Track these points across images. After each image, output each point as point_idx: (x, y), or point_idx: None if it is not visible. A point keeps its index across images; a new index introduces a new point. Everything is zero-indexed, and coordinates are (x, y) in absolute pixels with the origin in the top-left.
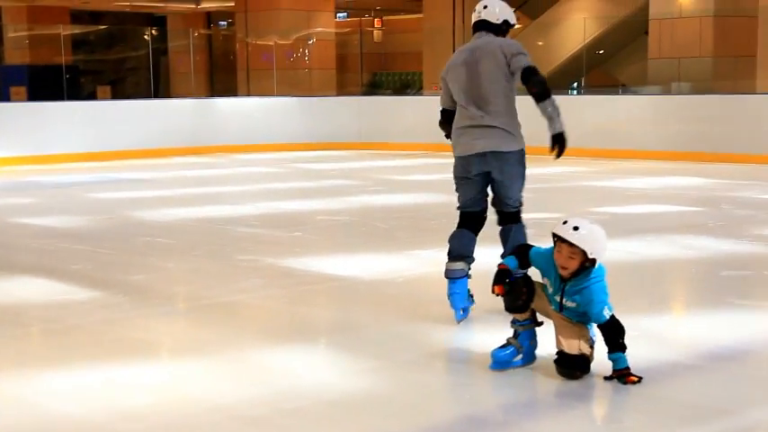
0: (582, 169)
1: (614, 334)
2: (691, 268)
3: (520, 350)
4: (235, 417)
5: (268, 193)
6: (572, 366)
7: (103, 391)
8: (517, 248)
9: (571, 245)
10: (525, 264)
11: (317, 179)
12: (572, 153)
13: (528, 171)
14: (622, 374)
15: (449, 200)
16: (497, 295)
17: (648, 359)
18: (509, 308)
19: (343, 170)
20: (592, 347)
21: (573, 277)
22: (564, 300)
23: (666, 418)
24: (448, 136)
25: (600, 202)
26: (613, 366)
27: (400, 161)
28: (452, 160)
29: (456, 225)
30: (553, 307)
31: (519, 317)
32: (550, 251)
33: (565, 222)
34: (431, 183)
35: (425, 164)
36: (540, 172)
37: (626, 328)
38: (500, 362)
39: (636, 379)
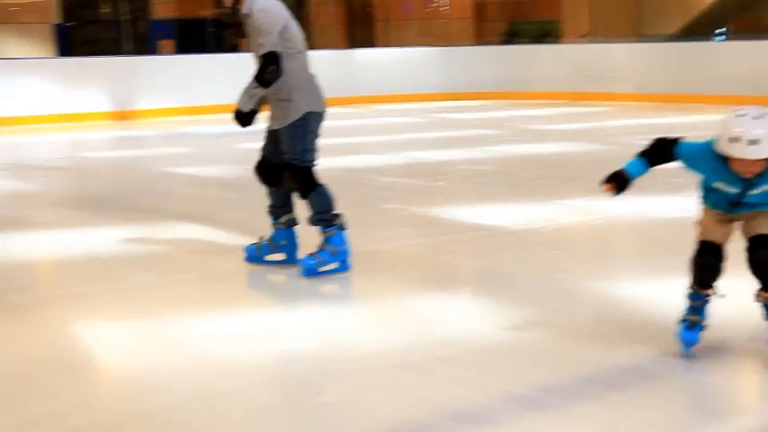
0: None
1: None
2: None
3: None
4: (393, 364)
5: (409, 143)
6: None
7: (263, 335)
8: (653, 144)
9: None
10: (657, 161)
11: (458, 129)
12: (717, 101)
13: (672, 120)
14: None
15: (592, 149)
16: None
17: None
18: None
19: (483, 120)
20: None
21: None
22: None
23: None
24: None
25: None
26: None
27: (540, 110)
28: (593, 110)
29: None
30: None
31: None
32: (708, 147)
33: (735, 139)
34: (572, 132)
35: (565, 113)
36: (686, 120)
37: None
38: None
39: None
